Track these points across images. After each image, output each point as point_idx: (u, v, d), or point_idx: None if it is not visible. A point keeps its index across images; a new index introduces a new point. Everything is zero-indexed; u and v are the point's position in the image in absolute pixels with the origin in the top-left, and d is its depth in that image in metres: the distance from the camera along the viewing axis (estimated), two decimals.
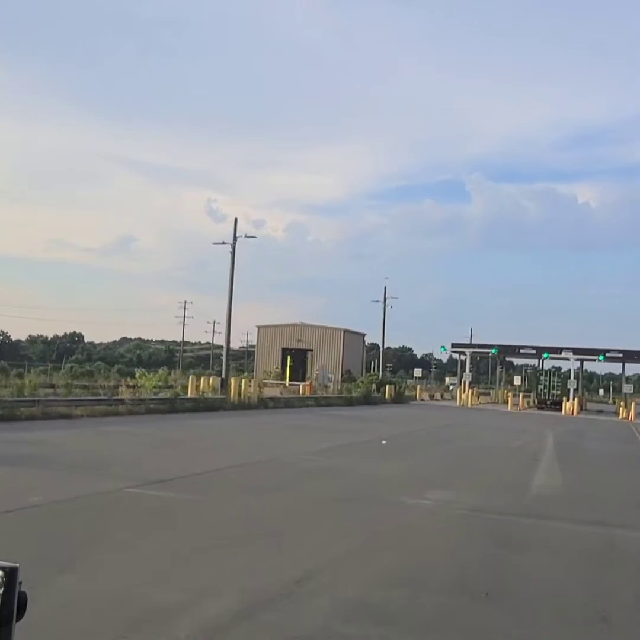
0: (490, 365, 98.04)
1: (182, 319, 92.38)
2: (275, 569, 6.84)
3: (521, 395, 59.49)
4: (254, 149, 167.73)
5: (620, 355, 60.95)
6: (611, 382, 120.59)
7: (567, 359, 59.34)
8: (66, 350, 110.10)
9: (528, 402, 59.67)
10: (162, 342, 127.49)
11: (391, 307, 61.63)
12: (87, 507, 9.25)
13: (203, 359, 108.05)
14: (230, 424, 24.73)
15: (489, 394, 72.64)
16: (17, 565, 1.25)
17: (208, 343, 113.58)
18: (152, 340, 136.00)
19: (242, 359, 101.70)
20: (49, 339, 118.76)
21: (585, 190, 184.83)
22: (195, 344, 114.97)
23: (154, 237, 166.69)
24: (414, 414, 40.35)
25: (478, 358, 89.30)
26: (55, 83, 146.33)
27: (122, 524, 8.38)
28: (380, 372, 59.24)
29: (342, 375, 63.54)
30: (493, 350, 63.29)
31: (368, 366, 75.50)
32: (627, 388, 61.05)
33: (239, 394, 32.90)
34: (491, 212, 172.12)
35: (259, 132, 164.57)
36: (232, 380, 32.97)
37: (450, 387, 70.12)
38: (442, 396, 69.02)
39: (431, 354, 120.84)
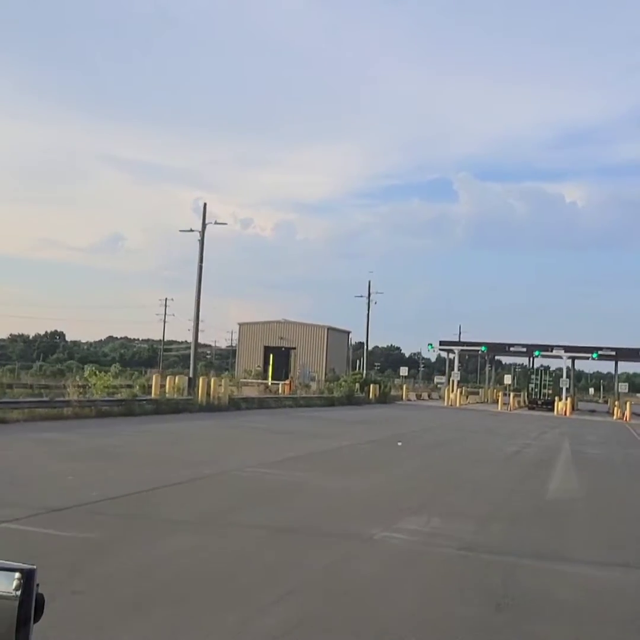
0: (479, 364, 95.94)
1: (163, 316, 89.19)
2: None
3: (511, 394, 57.26)
4: (242, 147, 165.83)
5: (614, 353, 58.78)
6: (601, 381, 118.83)
7: (559, 357, 57.02)
8: (48, 349, 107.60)
9: (518, 402, 57.59)
10: (148, 341, 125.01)
11: (376, 302, 59.24)
12: None
13: (187, 358, 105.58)
14: (189, 429, 22.04)
15: (478, 393, 70.38)
16: (35, 567, 1.26)
17: (185, 342, 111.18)
18: (138, 339, 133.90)
19: (229, 358, 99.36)
20: (31, 337, 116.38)
21: (573, 189, 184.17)
22: (182, 343, 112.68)
23: (143, 235, 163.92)
24: (398, 415, 37.79)
25: (467, 356, 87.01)
26: (41, 82, 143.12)
27: None
28: (365, 371, 56.62)
29: (326, 374, 61.07)
30: (482, 348, 60.80)
31: (354, 365, 72.95)
32: (622, 387, 58.81)
33: (208, 395, 30.22)
34: (479, 211, 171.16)
35: (247, 131, 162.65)
36: (200, 380, 30.27)
37: (439, 386, 67.62)
38: (429, 396, 66.57)
39: (419, 353, 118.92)
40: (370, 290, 58.50)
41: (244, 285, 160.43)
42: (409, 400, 58.41)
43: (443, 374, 67.03)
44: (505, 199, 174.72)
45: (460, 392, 56.65)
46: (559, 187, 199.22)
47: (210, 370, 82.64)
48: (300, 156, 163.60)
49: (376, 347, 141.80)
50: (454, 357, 59.82)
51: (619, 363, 64.32)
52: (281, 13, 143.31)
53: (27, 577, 1.24)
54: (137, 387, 27.67)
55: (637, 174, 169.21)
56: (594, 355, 56.48)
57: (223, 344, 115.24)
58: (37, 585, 1.26)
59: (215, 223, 32.72)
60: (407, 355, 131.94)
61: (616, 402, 53.38)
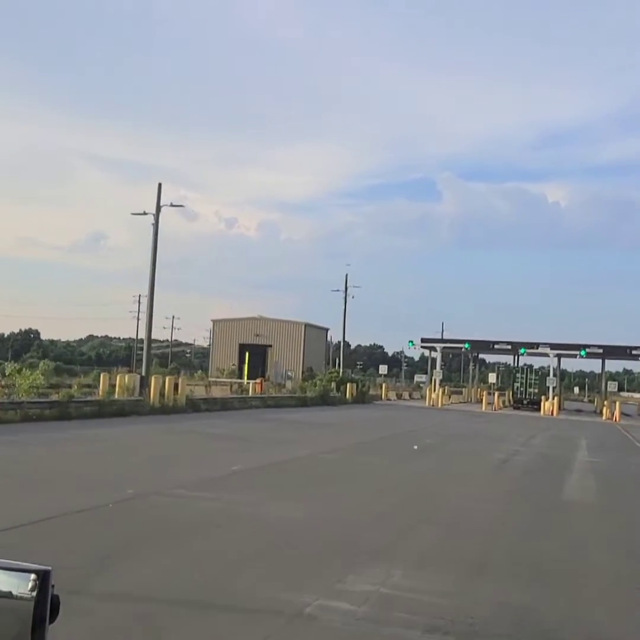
0: (463, 362, 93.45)
1: (137, 314, 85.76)
2: None
3: (496, 394, 54.75)
4: (226, 147, 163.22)
5: (601, 351, 56.46)
6: (586, 380, 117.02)
7: (546, 355, 54.49)
8: (23, 348, 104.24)
9: (503, 402, 55.16)
10: (127, 340, 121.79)
11: (353, 297, 56.59)
12: None
13: (164, 356, 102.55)
14: (126, 435, 19.01)
15: (461, 392, 67.83)
16: (50, 568, 1.25)
17: (167, 340, 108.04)
18: (118, 338, 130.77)
19: (209, 357, 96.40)
20: (5, 336, 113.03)
21: (556, 189, 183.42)
22: (163, 341, 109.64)
23: (125, 234, 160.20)
24: (375, 416, 34.99)
25: (450, 355, 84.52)
26: (21, 79, 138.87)
27: None
28: (341, 369, 53.72)
29: (303, 372, 58.13)
30: (466, 345, 58.19)
31: (334, 363, 70.12)
32: (612, 386, 56.46)
33: (163, 396, 27.21)
34: (463, 211, 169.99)
35: (231, 130, 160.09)
36: (153, 379, 27.23)
37: (420, 385, 64.88)
38: (410, 395, 63.86)
39: (402, 352, 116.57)
40: (348, 285, 55.81)
41: (227, 284, 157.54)
42: (389, 400, 55.67)
43: (426, 372, 64.30)
44: (489, 199, 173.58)
45: (443, 392, 53.99)
46: (542, 187, 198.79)
47: (187, 369, 79.59)
48: (284, 156, 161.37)
49: (359, 345, 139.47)
50: (436, 355, 57.14)
51: (606, 362, 62.15)
52: (264, 13, 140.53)
53: (43, 578, 1.24)
54: (76, 386, 24.51)
55: (619, 174, 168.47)
56: (583, 353, 54.07)
57: (204, 343, 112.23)
58: (53, 586, 1.25)
59: (171, 205, 29.60)
60: (390, 354, 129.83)
61: (605, 402, 51.01)
